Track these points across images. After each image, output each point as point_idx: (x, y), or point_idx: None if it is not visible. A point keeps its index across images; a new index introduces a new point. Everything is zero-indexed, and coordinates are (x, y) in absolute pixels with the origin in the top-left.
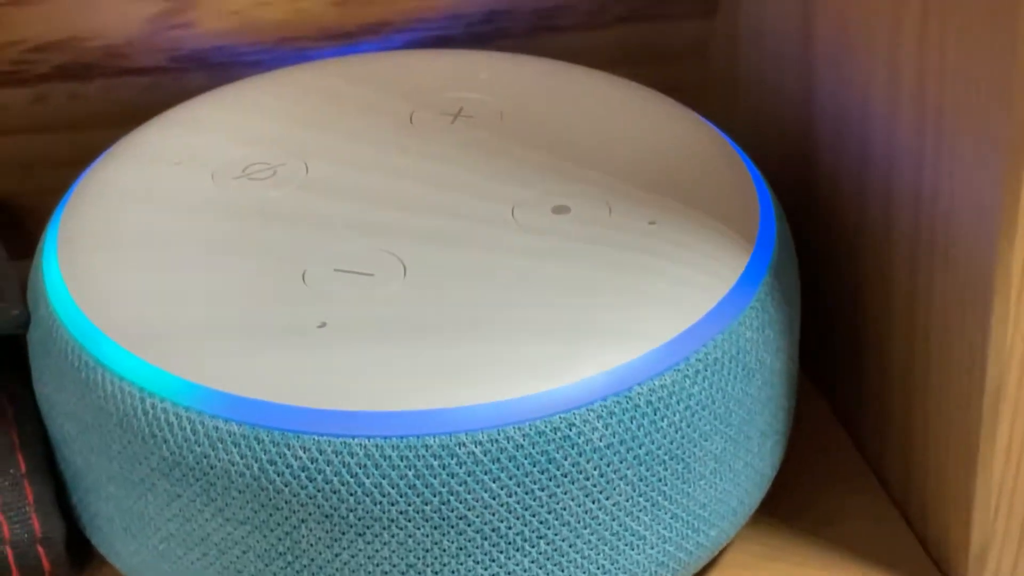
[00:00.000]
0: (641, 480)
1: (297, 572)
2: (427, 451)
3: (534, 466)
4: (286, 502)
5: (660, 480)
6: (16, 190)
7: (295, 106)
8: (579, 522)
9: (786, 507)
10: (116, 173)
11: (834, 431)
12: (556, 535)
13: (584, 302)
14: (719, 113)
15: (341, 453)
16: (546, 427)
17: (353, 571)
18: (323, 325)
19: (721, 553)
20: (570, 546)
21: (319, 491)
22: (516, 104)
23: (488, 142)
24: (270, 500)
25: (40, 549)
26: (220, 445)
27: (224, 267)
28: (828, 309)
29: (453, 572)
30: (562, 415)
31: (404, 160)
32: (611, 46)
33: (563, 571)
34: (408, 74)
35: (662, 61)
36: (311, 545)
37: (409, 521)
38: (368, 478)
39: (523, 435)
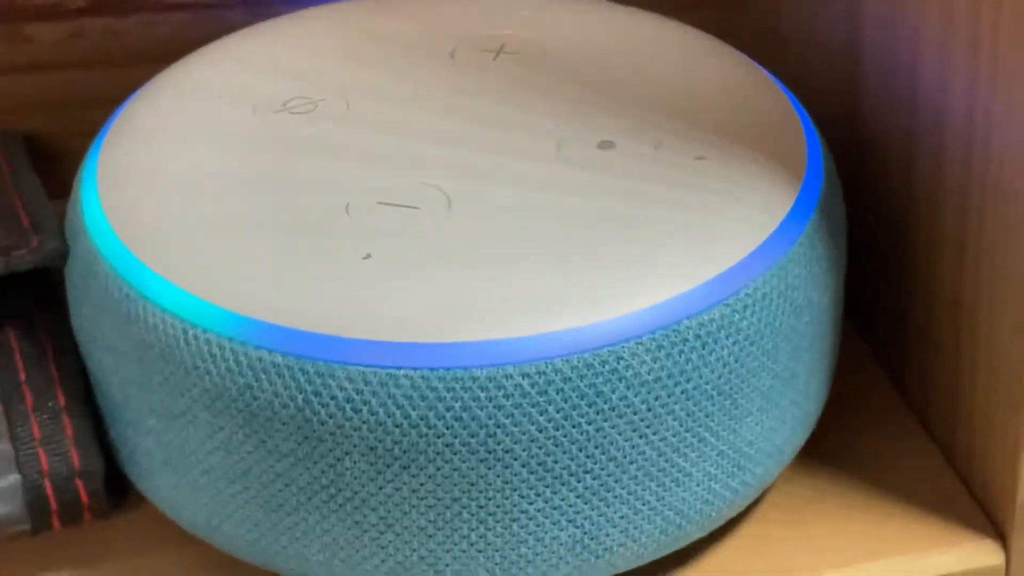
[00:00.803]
0: (688, 415)
1: (340, 506)
2: (474, 383)
3: (582, 399)
4: (330, 434)
5: (707, 416)
6: (51, 129)
7: (335, 42)
8: (626, 457)
9: (829, 450)
10: (155, 107)
11: (876, 374)
12: (602, 470)
13: (631, 236)
14: (763, 52)
15: (386, 384)
16: (594, 360)
17: (397, 505)
18: (368, 256)
19: (764, 494)
20: (616, 481)
21: (364, 423)
22: (559, 41)
23: (531, 78)
24: (313, 432)
25: (79, 483)
26: (264, 376)
27: (266, 199)
28: (873, 250)
29: (498, 506)
30: (610, 348)
31: (446, 96)
32: None
33: (608, 506)
34: (449, 10)
35: (703, 4)
36: (355, 478)
37: (455, 454)
38: (414, 410)
39: (571, 368)
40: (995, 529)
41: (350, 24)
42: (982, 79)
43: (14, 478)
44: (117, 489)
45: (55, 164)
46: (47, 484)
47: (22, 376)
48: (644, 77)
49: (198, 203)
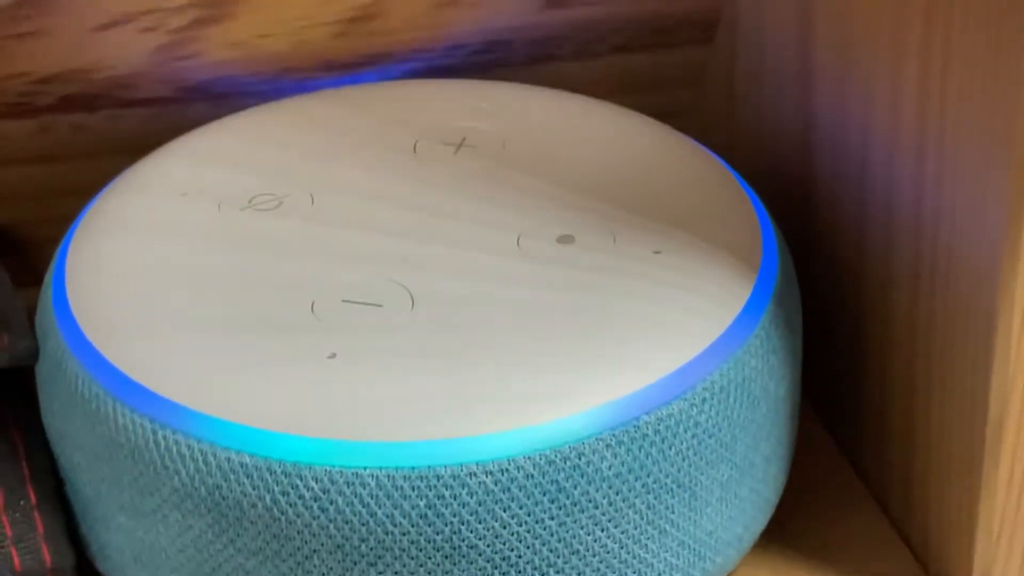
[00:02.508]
0: (649, 508)
1: None
2: (438, 481)
3: (544, 495)
4: (298, 533)
5: (668, 508)
6: (21, 219)
7: (299, 136)
8: (588, 550)
9: (788, 533)
10: (122, 204)
11: (834, 458)
12: (566, 564)
13: (591, 331)
14: (716, 140)
15: (353, 484)
16: (556, 456)
17: None
18: (333, 356)
19: None
20: (579, 574)
21: (331, 522)
22: (518, 133)
23: (492, 171)
24: (282, 531)
25: None
26: (232, 476)
27: (233, 297)
28: (829, 337)
29: None
30: (572, 445)
31: (409, 190)
32: (609, 74)
33: None
34: (410, 104)
35: (659, 88)
36: (323, 575)
37: (420, 551)
38: (380, 508)
39: (533, 465)
40: None
41: (313, 118)
42: (928, 173)
43: None
44: None
45: (26, 253)
46: None
47: None
48: (602, 168)
49: (165, 301)
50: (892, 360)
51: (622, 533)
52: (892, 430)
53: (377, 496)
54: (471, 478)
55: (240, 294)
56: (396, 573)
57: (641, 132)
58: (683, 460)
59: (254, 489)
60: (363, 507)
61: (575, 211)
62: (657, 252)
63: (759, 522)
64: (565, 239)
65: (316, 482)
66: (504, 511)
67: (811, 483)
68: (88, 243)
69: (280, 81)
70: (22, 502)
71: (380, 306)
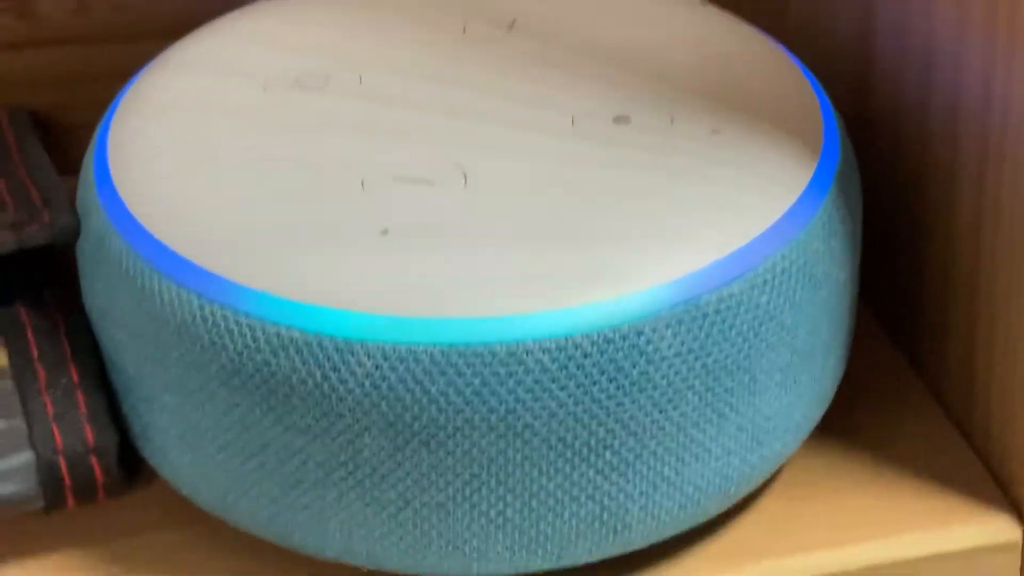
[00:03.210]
0: (708, 390)
1: (358, 482)
2: (494, 358)
3: (602, 375)
4: (349, 410)
5: (727, 391)
6: (59, 104)
7: (345, 17)
8: (646, 432)
9: (844, 426)
10: (165, 82)
11: (890, 353)
12: (622, 445)
13: (650, 210)
14: (771, 23)
15: (406, 360)
16: (614, 335)
17: (416, 481)
18: (385, 232)
19: (780, 470)
20: (636, 457)
21: (383, 399)
22: (570, 15)
23: (544, 53)
24: (332, 408)
25: (93, 459)
26: (282, 352)
27: (280, 175)
28: (886, 228)
29: (518, 482)
30: (631, 323)
31: (459, 70)
32: None
33: (628, 482)
34: None
35: None
36: (373, 454)
37: (474, 430)
38: (433, 385)
39: (591, 343)
40: (1012, 504)
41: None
42: (999, 52)
43: (28, 455)
44: (131, 465)
45: (63, 139)
46: (61, 461)
47: (34, 352)
48: (658, 50)
49: (212, 179)
50: (954, 253)
51: (680, 415)
52: (953, 325)
53: (430, 373)
54: (527, 355)
55: (288, 171)
56: (449, 453)
57: (695, 15)
58: (743, 342)
59: (303, 365)
60: (416, 384)
61: (631, 92)
62: (716, 132)
63: (816, 411)
64: (621, 119)
65: (368, 358)
66: (561, 390)
67: (867, 378)
68: (131, 121)
69: None
70: (63, 380)
71: (432, 183)
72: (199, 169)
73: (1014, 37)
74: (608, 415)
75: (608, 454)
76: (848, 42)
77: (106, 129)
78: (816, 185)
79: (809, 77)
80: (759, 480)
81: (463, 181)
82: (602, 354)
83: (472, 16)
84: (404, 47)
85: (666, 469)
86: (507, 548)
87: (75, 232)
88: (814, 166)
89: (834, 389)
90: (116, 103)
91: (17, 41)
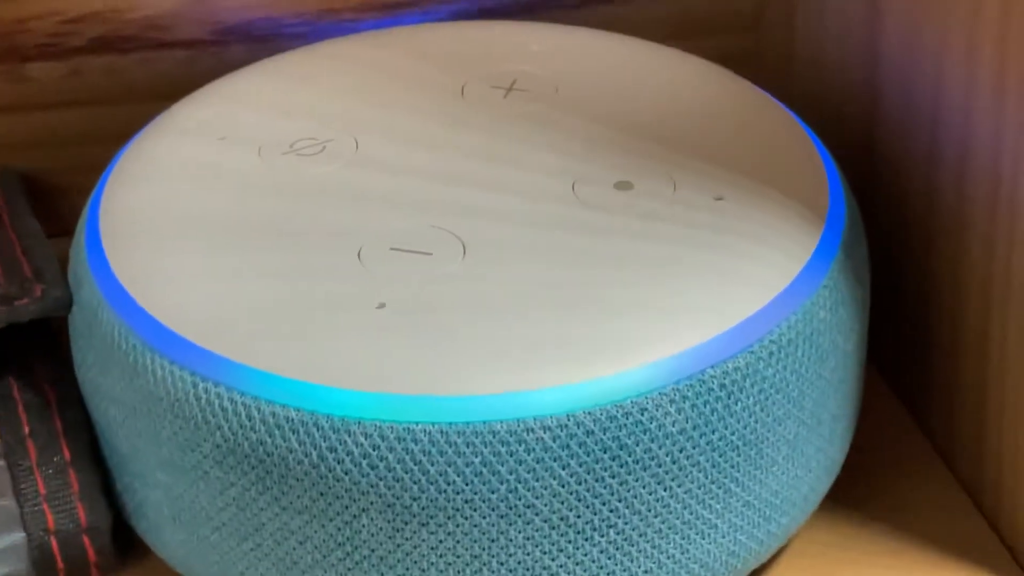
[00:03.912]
0: (714, 466)
1: (356, 563)
2: (494, 437)
3: (605, 452)
4: (346, 490)
5: (733, 466)
6: (50, 167)
7: (341, 79)
8: (650, 510)
9: (853, 495)
10: (158, 148)
11: (900, 419)
12: (626, 524)
13: (652, 281)
14: (775, 85)
15: (404, 439)
16: (617, 412)
17: (415, 562)
18: (382, 306)
19: (789, 542)
20: (640, 535)
21: (381, 479)
22: (570, 77)
23: (544, 115)
24: (329, 488)
25: (86, 539)
26: (277, 431)
27: (276, 246)
28: (895, 291)
29: (520, 562)
30: (633, 399)
31: (457, 135)
32: (663, 17)
33: (632, 561)
34: (457, 46)
35: (714, 32)
36: (372, 535)
37: (475, 510)
38: (432, 465)
39: (593, 420)
40: None
41: (356, 61)
42: (1009, 110)
43: (19, 536)
44: (124, 543)
45: (54, 202)
46: (53, 541)
47: (26, 430)
48: (659, 113)
49: (206, 251)
50: (964, 318)
51: (685, 492)
52: (962, 389)
53: (429, 452)
54: (529, 434)
55: (283, 242)
56: (449, 533)
57: (698, 76)
58: (749, 416)
59: (300, 445)
60: (415, 464)
61: (632, 157)
62: (719, 199)
63: (825, 482)
64: (623, 185)
65: (365, 437)
66: (563, 469)
67: (876, 445)
68: (123, 189)
69: (321, 23)
70: (55, 458)
71: (430, 254)
72: (193, 240)
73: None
74: (612, 493)
75: (612, 532)
76: (854, 102)
77: (98, 197)
78: (822, 252)
79: (814, 139)
80: (766, 555)
81: (462, 252)
82: (605, 431)
83: (471, 77)
84: (402, 110)
85: (671, 547)
86: None
87: (67, 306)
88: (820, 233)
89: (843, 459)
90: (108, 170)
91: (9, 104)
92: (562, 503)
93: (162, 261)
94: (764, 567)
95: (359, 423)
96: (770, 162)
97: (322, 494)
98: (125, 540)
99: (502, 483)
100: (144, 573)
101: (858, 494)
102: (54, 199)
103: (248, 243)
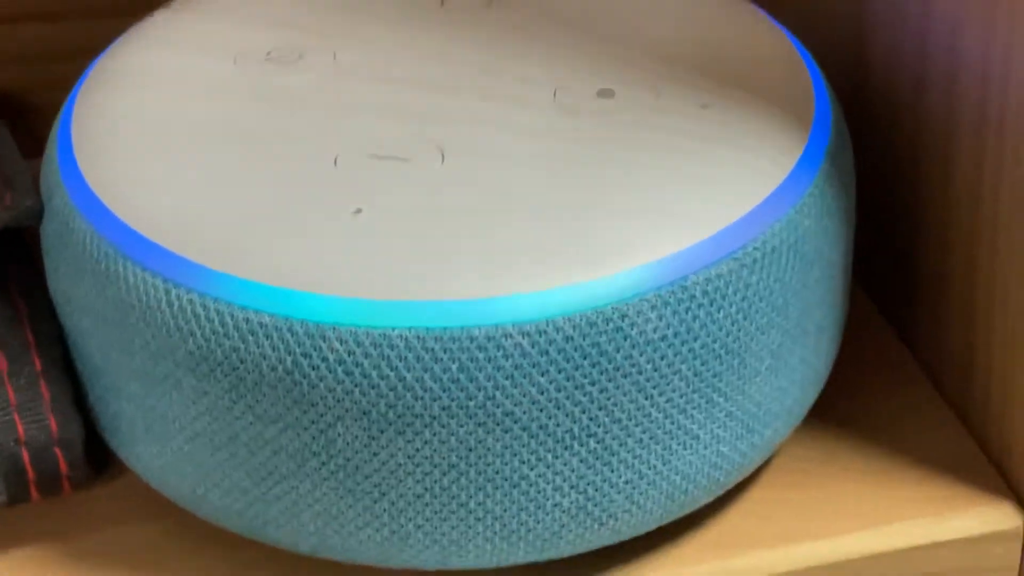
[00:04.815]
0: (696, 375)
1: (332, 472)
2: (471, 343)
3: (584, 359)
4: (321, 398)
5: (715, 375)
6: (24, 84)
7: None
8: (631, 419)
9: (838, 411)
10: (132, 59)
11: (885, 333)
12: (606, 433)
13: (634, 187)
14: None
15: (380, 345)
16: (597, 318)
17: (392, 471)
18: (358, 211)
19: (773, 457)
20: (620, 445)
21: (356, 386)
22: None
23: (526, 25)
24: (304, 395)
25: (57, 451)
26: (251, 337)
27: (250, 153)
28: (882, 207)
29: (498, 472)
30: (614, 305)
31: (437, 44)
32: None
33: (613, 471)
34: None
35: None
36: (347, 444)
37: (452, 418)
38: (409, 372)
39: (573, 326)
40: (1013, 491)
41: None
42: (998, 27)
43: None
44: (97, 457)
45: (28, 119)
46: (24, 453)
47: None
48: (644, 24)
49: (180, 158)
50: (952, 231)
51: (667, 401)
52: (950, 307)
53: (406, 358)
54: (507, 339)
55: (258, 149)
56: (426, 441)
57: None
58: (732, 324)
59: (274, 351)
60: (391, 370)
61: (616, 65)
62: (704, 106)
63: (809, 395)
64: (605, 93)
65: (341, 343)
66: (542, 375)
67: (861, 360)
68: (95, 99)
69: None
70: (27, 369)
71: (408, 160)
72: (167, 148)
73: (1013, 12)
74: (591, 401)
75: (592, 442)
76: (844, 19)
77: (70, 107)
78: (807, 161)
79: (802, 52)
80: (750, 468)
81: (440, 158)
82: (584, 338)
83: None
84: (381, 21)
85: (652, 457)
86: (487, 540)
87: (38, 214)
88: (805, 142)
89: (827, 373)
90: (81, 81)
91: None
92: (541, 411)
93: (135, 169)
94: (748, 482)
95: (334, 328)
96: (756, 71)
97: (297, 401)
98: (99, 455)
99: (480, 390)
100: (118, 489)
101: (843, 410)
102: (27, 117)
103: (222, 150)
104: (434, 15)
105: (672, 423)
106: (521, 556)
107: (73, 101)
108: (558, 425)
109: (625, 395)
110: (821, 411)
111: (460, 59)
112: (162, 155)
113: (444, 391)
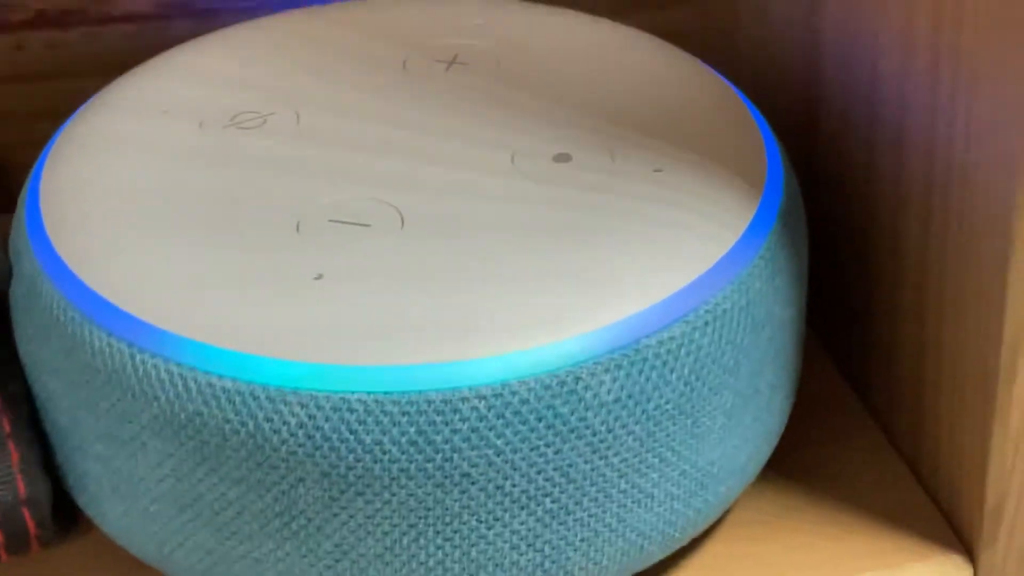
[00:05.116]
0: (649, 436)
1: (294, 533)
2: (429, 406)
3: (539, 422)
4: (283, 460)
5: (669, 435)
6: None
7: (284, 54)
8: (586, 479)
9: (793, 466)
10: (100, 122)
11: (839, 388)
12: (562, 493)
13: (589, 252)
14: (718, 59)
15: (340, 409)
16: (552, 381)
17: (352, 531)
18: (319, 277)
19: (729, 511)
20: (576, 504)
21: (317, 449)
22: (512, 50)
23: (485, 89)
24: (266, 458)
25: (25, 511)
26: (213, 402)
27: (215, 218)
28: (834, 263)
29: (456, 531)
30: (568, 369)
31: (399, 108)
32: None
33: (569, 529)
34: (399, 21)
35: (660, 7)
36: (308, 505)
37: (411, 479)
38: (368, 435)
39: (528, 390)
40: (962, 543)
41: (299, 35)
42: (943, 89)
43: None
44: (66, 515)
45: (1, 177)
46: None
47: None
48: (600, 86)
49: (145, 223)
50: (902, 286)
51: (621, 462)
52: (901, 358)
53: (365, 422)
54: (464, 403)
55: (222, 214)
56: (385, 503)
57: (640, 49)
58: (685, 385)
59: (236, 415)
60: (350, 433)
61: (572, 129)
62: (658, 171)
63: (763, 452)
64: (561, 157)
65: (301, 407)
66: (498, 438)
67: (816, 414)
68: (64, 163)
69: None
70: None
71: (368, 226)
72: (132, 213)
73: (958, 63)
74: (547, 462)
75: (548, 501)
76: (795, 76)
77: (39, 171)
78: (758, 223)
79: (754, 112)
80: (704, 524)
81: (400, 223)
82: (539, 400)
83: (413, 51)
84: (343, 84)
85: (607, 516)
86: None
87: (6, 277)
88: (756, 204)
89: (781, 429)
90: (50, 144)
91: None
92: (497, 472)
93: (101, 234)
94: (704, 536)
95: (295, 392)
96: (709, 134)
97: (259, 464)
98: (67, 514)
99: (437, 452)
100: (85, 546)
101: (798, 464)
102: (3, 177)
103: (187, 215)
104: (396, 77)
105: (627, 482)
106: None
107: (42, 165)
108: (515, 485)
109: (580, 456)
110: (776, 464)
111: (421, 123)
112: (128, 221)
113: (402, 453)
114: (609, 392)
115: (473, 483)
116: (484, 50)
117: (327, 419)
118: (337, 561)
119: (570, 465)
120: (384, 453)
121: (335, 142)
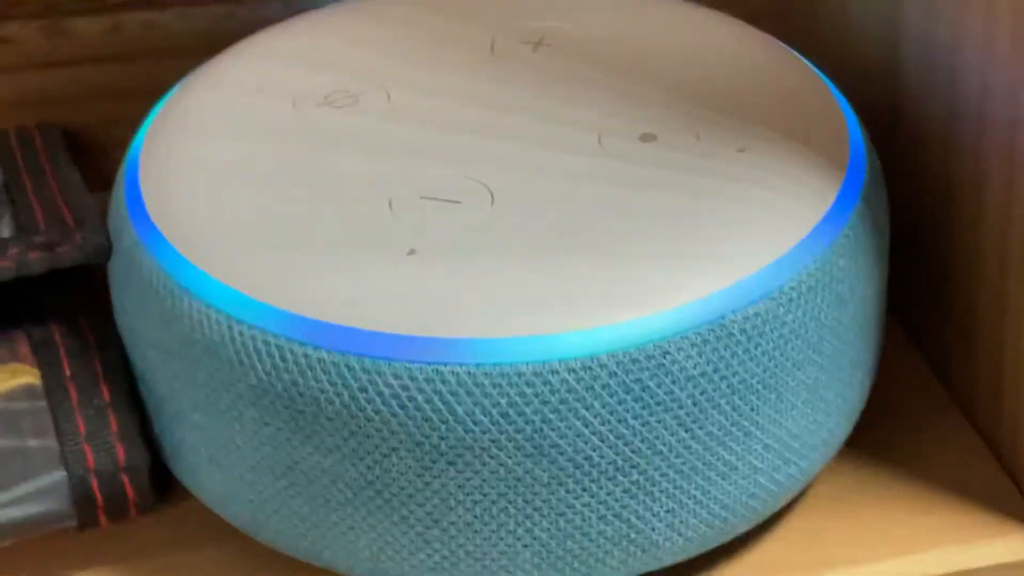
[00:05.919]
0: (734, 409)
1: (386, 501)
2: (520, 379)
3: (628, 395)
4: (376, 430)
5: (753, 409)
6: (91, 122)
7: (374, 35)
8: (672, 451)
9: (872, 441)
10: (196, 101)
11: (918, 368)
12: (648, 464)
13: (676, 229)
14: (799, 43)
15: (433, 380)
16: (640, 355)
17: (443, 500)
18: (412, 252)
19: (809, 486)
20: (662, 475)
21: (410, 419)
22: (597, 32)
23: (571, 70)
24: (360, 428)
25: (124, 478)
26: (309, 372)
27: (309, 194)
28: (915, 244)
29: (544, 501)
30: (656, 343)
31: (487, 88)
32: None
33: (654, 501)
34: (485, 3)
35: None
36: (401, 474)
37: (501, 450)
38: (460, 406)
39: (617, 363)
40: None
41: (388, 17)
42: None
43: (60, 475)
44: (162, 484)
45: (95, 157)
46: (93, 480)
47: (67, 372)
48: (684, 68)
49: (241, 198)
50: (982, 268)
51: (706, 434)
52: (979, 337)
53: (457, 393)
54: (553, 376)
55: (316, 190)
56: (476, 472)
57: (723, 31)
58: (769, 360)
59: (331, 385)
60: (443, 404)
61: (657, 110)
62: (742, 150)
63: (844, 428)
64: (647, 137)
65: (395, 378)
66: (587, 409)
67: (896, 393)
68: (161, 140)
69: None
70: (95, 400)
71: (459, 203)
72: (229, 188)
73: None
74: (634, 434)
75: (634, 473)
76: (876, 57)
77: (137, 148)
78: (842, 202)
79: (836, 92)
80: (786, 498)
81: (490, 200)
82: (628, 374)
83: (500, 34)
84: (433, 65)
85: (692, 488)
86: (534, 566)
87: (107, 252)
88: (840, 183)
89: (862, 405)
90: (147, 122)
91: (50, 60)
92: (585, 443)
93: (198, 208)
94: (785, 510)
95: (389, 364)
96: (792, 114)
97: (353, 434)
98: (163, 481)
99: (527, 423)
100: (181, 513)
101: (876, 441)
102: (95, 155)
103: (282, 191)
104: (484, 59)
105: (711, 455)
106: None
107: (140, 142)
108: (602, 457)
109: (666, 428)
110: (855, 440)
111: (509, 104)
112: (225, 196)
113: (493, 424)
114: (695, 366)
115: (562, 454)
116: (569, 32)
117: (420, 390)
118: (428, 528)
119: (656, 437)
120: (475, 424)
121: (425, 121)
